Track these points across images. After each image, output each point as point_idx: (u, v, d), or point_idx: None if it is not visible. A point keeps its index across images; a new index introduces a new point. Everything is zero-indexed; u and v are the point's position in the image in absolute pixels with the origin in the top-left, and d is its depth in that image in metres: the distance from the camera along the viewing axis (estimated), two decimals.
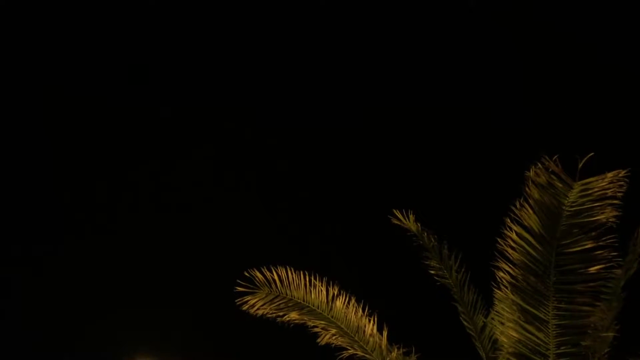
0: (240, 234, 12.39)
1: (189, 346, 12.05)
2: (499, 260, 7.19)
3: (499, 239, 7.09)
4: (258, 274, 8.22)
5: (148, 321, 12.30)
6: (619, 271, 7.35)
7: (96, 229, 13.14)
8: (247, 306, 8.31)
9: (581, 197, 6.40)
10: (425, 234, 8.07)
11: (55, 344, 12.64)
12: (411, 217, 8.06)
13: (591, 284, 6.97)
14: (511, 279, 7.20)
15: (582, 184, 6.31)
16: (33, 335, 12.82)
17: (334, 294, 8.27)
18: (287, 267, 8.26)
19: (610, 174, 6.26)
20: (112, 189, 13.15)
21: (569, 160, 6.31)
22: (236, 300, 8.30)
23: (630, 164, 6.43)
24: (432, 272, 8.17)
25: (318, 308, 8.28)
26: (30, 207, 13.18)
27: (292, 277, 8.25)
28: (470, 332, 8.24)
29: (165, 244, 12.68)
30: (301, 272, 8.28)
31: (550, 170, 6.30)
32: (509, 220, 6.95)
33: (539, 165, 6.34)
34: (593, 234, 6.67)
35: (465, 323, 8.25)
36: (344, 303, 8.28)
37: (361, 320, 8.29)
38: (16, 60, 12.91)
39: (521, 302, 7.22)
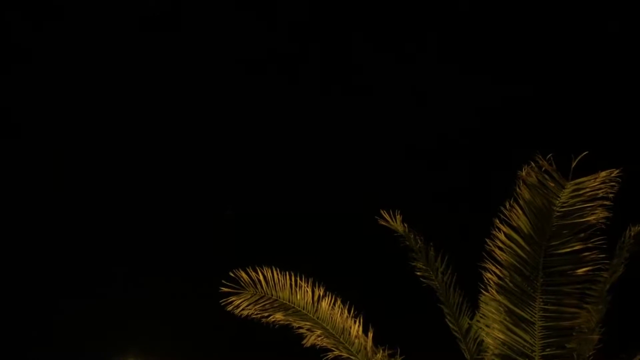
0: (227, 235, 12.36)
1: (177, 346, 11.97)
2: (486, 261, 7.17)
3: (487, 240, 7.09)
4: (243, 275, 8.17)
5: (137, 322, 12.19)
6: (605, 274, 7.39)
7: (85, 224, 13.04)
8: (231, 307, 8.25)
9: (572, 197, 6.38)
10: (412, 235, 8.08)
11: (44, 343, 12.52)
12: (398, 217, 8.06)
13: (578, 286, 6.98)
14: (498, 280, 7.18)
15: (575, 184, 6.27)
16: (21, 333, 12.68)
17: (319, 295, 8.23)
18: (273, 267, 8.22)
19: (603, 173, 6.22)
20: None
21: (559, 159, 6.31)
22: (221, 301, 8.25)
23: (619, 164, 6.43)
24: (419, 273, 8.17)
25: (303, 309, 8.23)
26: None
27: (278, 278, 8.21)
28: (456, 333, 8.25)
29: (155, 245, 12.61)
30: (287, 273, 8.24)
31: (543, 169, 6.28)
32: (497, 221, 6.94)
33: (532, 164, 6.33)
34: (582, 235, 6.67)
35: (450, 325, 8.25)
36: (330, 304, 8.24)
37: (347, 322, 8.25)
38: None
39: (508, 304, 7.21)
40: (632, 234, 7.58)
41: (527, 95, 11.70)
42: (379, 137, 12.43)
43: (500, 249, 7.01)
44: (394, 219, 8.08)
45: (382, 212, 8.09)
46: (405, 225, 8.08)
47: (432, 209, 11.36)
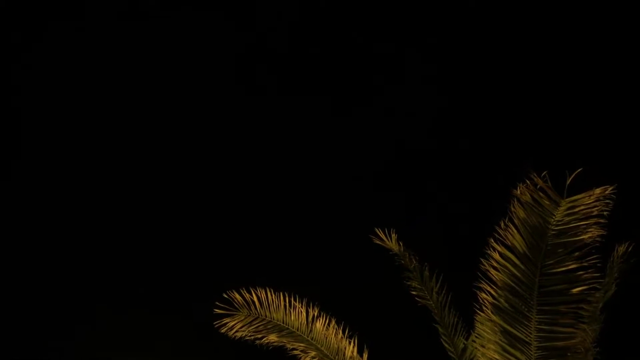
0: (220, 254, 12.31)
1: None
2: (481, 281, 7.17)
3: (482, 260, 7.09)
4: (237, 296, 8.15)
5: (132, 337, 12.14)
6: (599, 293, 7.39)
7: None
8: (225, 328, 8.23)
9: (567, 215, 6.38)
10: (407, 254, 8.05)
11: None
12: (393, 236, 8.04)
13: (574, 306, 6.98)
14: (493, 300, 7.17)
15: (569, 202, 6.27)
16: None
17: (314, 315, 8.21)
18: (267, 288, 8.20)
19: (597, 191, 6.23)
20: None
21: (553, 176, 6.32)
22: (214, 323, 8.23)
23: (611, 180, 6.43)
24: (413, 293, 8.14)
25: (298, 330, 8.20)
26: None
27: (272, 299, 8.19)
28: (451, 354, 8.22)
29: (146, 266, 12.56)
30: (281, 294, 8.22)
31: (538, 187, 6.29)
32: (492, 241, 6.95)
33: (527, 182, 6.34)
34: (576, 254, 6.67)
35: (446, 345, 8.23)
36: (324, 325, 8.22)
37: (341, 342, 8.22)
38: None
39: (503, 324, 7.20)
40: (620, 252, 7.58)
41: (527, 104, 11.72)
42: (368, 152, 12.39)
43: (495, 268, 7.01)
44: (388, 238, 8.07)
45: (376, 230, 8.09)
46: (401, 244, 8.07)
47: (427, 227, 11.34)
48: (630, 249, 7.59)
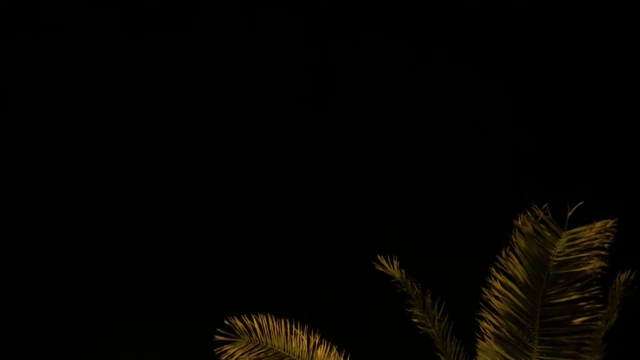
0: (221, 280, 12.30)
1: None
2: (483, 310, 7.19)
3: (483, 289, 7.11)
4: (238, 322, 8.14)
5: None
6: (600, 323, 7.37)
7: None
8: (226, 355, 8.21)
9: (568, 247, 6.44)
10: (409, 281, 8.03)
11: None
12: (395, 263, 8.02)
13: (575, 336, 6.99)
14: (495, 330, 7.20)
15: (570, 234, 6.34)
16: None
17: (315, 342, 8.16)
18: (268, 314, 8.18)
19: (599, 224, 6.30)
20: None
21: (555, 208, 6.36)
22: (215, 350, 8.21)
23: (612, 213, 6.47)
24: (415, 320, 8.10)
25: (299, 358, 8.15)
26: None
27: (273, 325, 8.16)
28: None
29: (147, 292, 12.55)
30: (282, 320, 8.19)
31: (539, 218, 6.34)
32: (494, 270, 6.98)
33: (528, 213, 6.39)
34: (578, 284, 6.71)
35: None
36: (326, 352, 8.18)
37: None
38: None
39: (504, 354, 7.20)
40: (622, 280, 7.57)
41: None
42: (370, 178, 12.37)
43: (496, 297, 7.03)
44: (390, 265, 8.04)
45: (379, 257, 8.07)
46: (402, 271, 8.04)
47: (430, 255, 11.29)
48: (632, 277, 7.59)
